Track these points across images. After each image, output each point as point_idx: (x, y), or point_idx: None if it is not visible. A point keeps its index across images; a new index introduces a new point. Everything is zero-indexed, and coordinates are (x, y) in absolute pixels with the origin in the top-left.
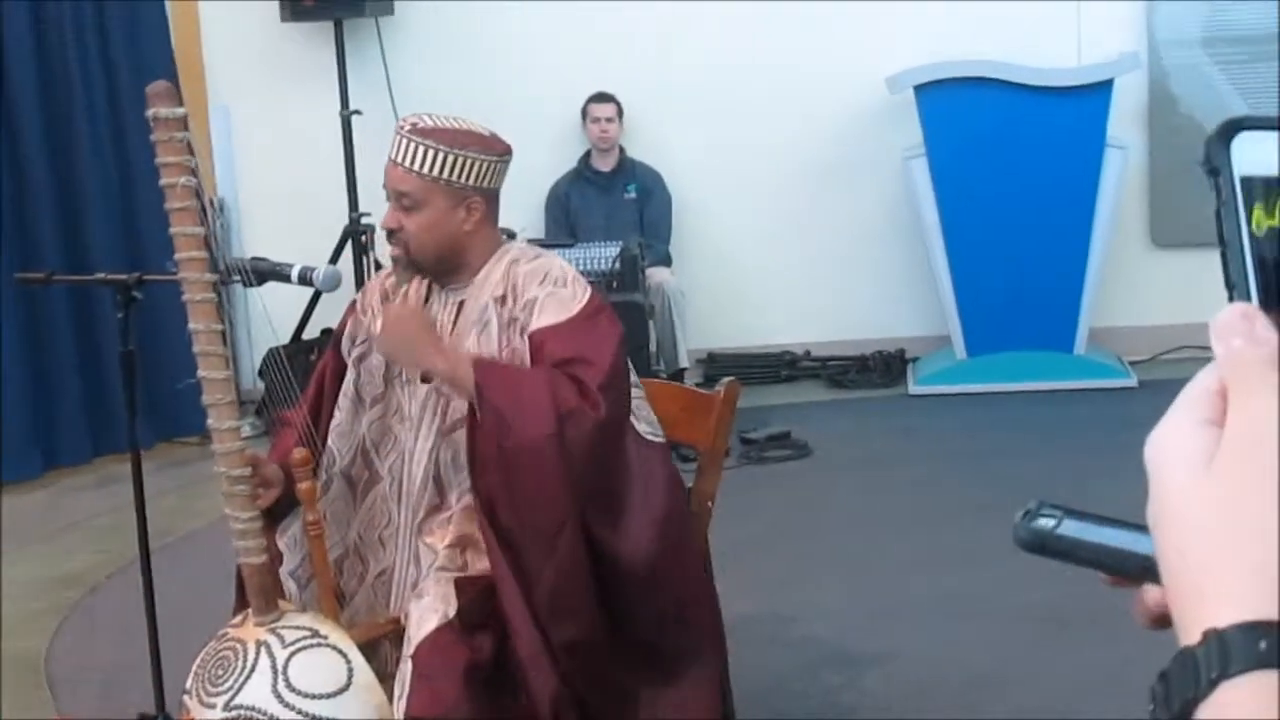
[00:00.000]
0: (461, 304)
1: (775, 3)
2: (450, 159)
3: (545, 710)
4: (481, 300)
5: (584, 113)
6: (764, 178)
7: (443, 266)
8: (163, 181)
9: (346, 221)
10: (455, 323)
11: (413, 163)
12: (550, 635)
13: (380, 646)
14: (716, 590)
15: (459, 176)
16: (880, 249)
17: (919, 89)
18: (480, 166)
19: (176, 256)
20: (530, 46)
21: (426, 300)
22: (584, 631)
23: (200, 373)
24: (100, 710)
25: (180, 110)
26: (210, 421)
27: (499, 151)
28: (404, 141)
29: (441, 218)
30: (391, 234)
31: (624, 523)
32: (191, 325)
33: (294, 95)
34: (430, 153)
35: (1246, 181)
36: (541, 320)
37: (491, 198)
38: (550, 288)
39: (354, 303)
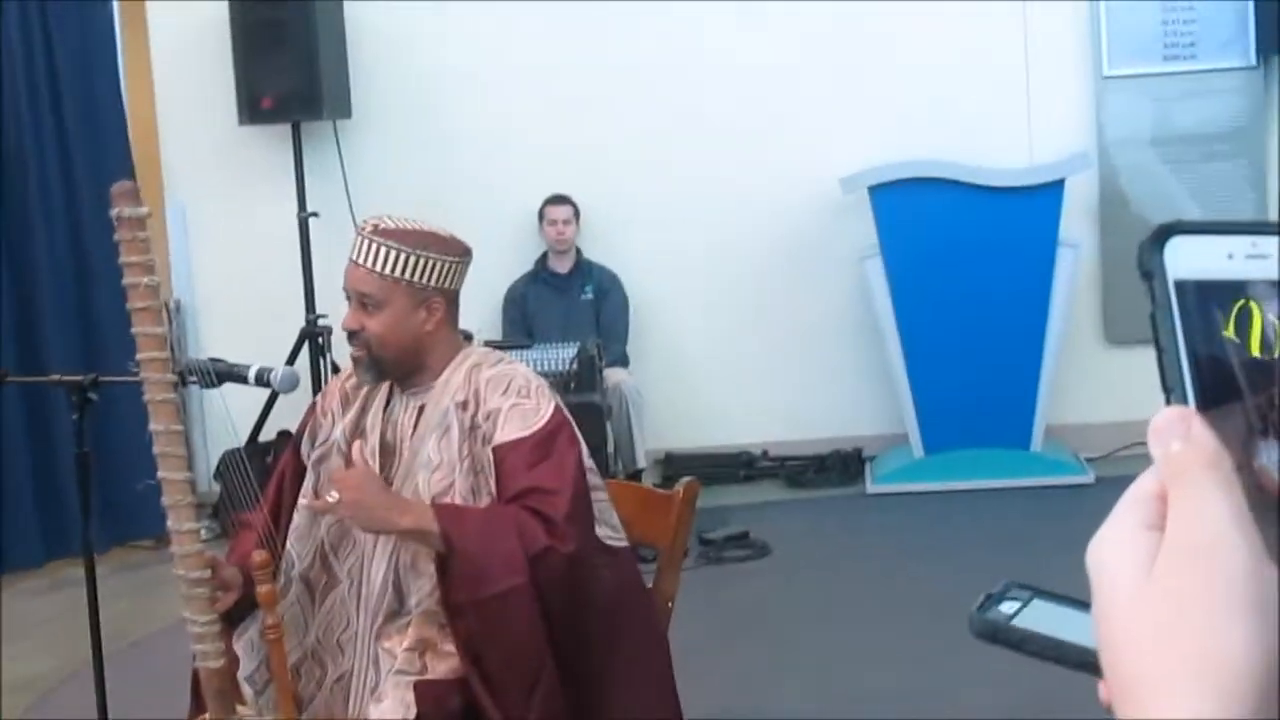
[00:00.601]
0: (422, 408)
1: (729, 105)
2: (411, 260)
3: None
4: (443, 404)
5: (540, 214)
6: (720, 278)
7: (404, 368)
8: (125, 281)
9: (304, 323)
10: (415, 426)
11: (374, 263)
12: None
13: None
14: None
15: (420, 277)
16: (837, 347)
17: (873, 189)
18: (441, 267)
19: (138, 356)
20: (486, 149)
21: (387, 404)
22: None
23: (160, 474)
24: None
25: (143, 210)
26: (170, 523)
27: (459, 252)
28: (365, 242)
29: (403, 318)
30: (353, 335)
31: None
32: (152, 426)
33: (251, 196)
34: (391, 253)
35: (1180, 285)
36: (505, 434)
37: (452, 299)
38: (514, 399)
39: (313, 404)
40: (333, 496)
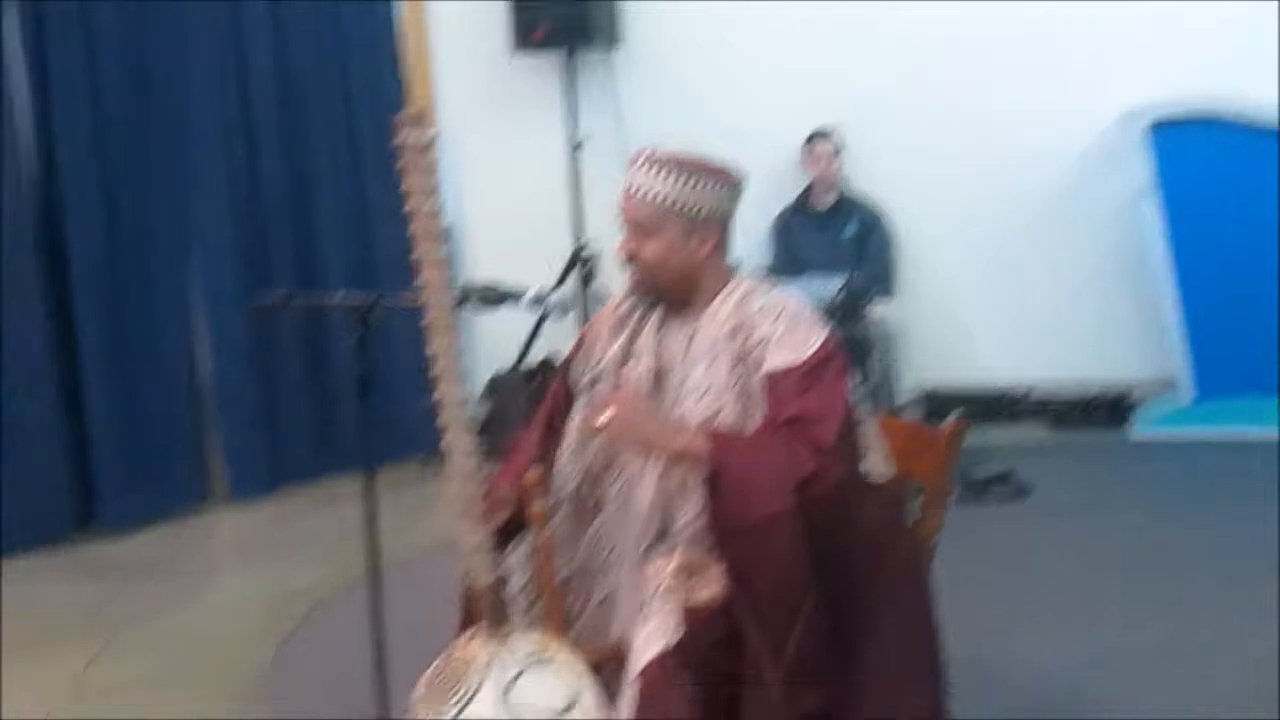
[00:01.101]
0: (692, 335)
1: (1002, 35)
2: (686, 189)
3: None
4: (713, 332)
5: (804, 150)
6: (988, 212)
7: (676, 294)
8: (408, 206)
9: (571, 249)
10: (685, 353)
11: (647, 192)
12: (792, 704)
13: (603, 670)
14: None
15: (692, 206)
16: (1106, 287)
17: (1153, 126)
18: (714, 197)
19: (419, 280)
20: (755, 80)
21: (658, 329)
22: (825, 699)
23: (438, 394)
24: None
25: (427, 136)
26: (446, 442)
27: (733, 182)
28: (640, 171)
29: (675, 246)
30: (627, 261)
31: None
32: (431, 347)
33: (522, 125)
34: (665, 183)
35: None
36: (774, 361)
37: (724, 228)
38: (784, 326)
39: (583, 330)
40: (604, 417)
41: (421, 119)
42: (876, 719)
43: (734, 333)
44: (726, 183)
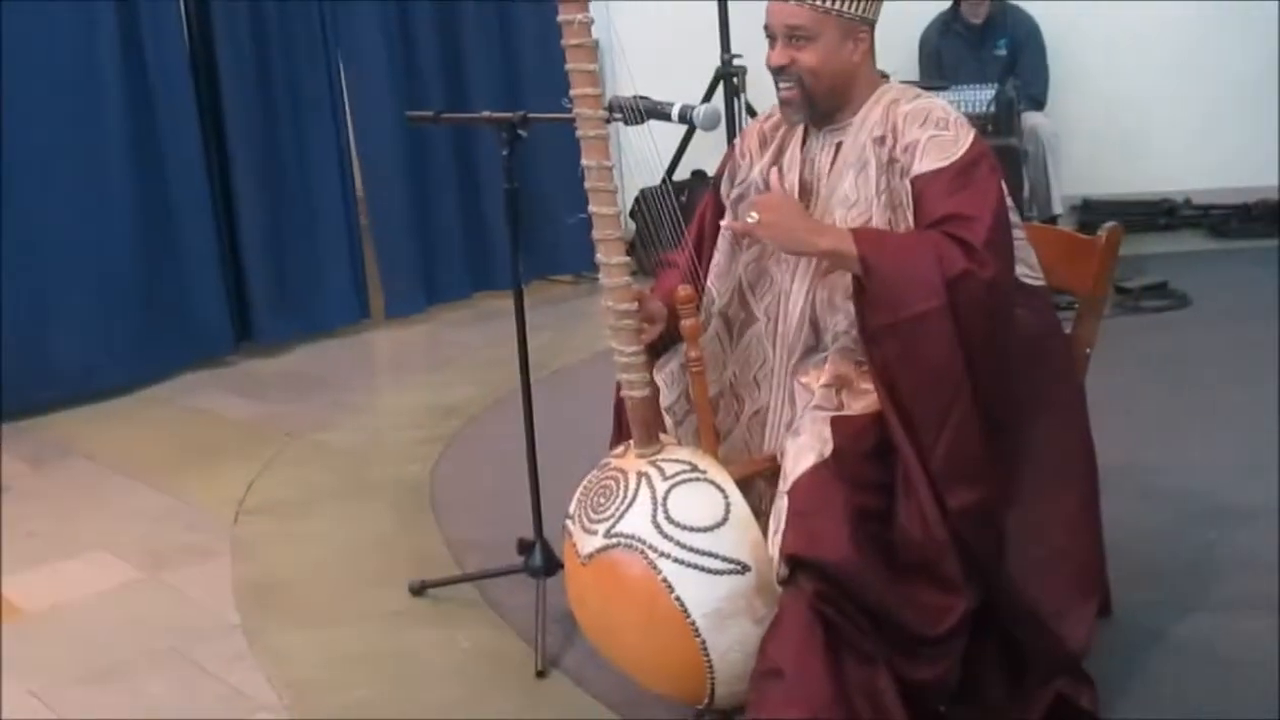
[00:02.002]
0: (839, 145)
1: None
2: None
3: (933, 536)
4: (860, 140)
5: None
6: (1147, 19)
7: (833, 102)
8: (560, 17)
9: (718, 64)
10: (833, 164)
11: None
12: (947, 502)
13: (755, 484)
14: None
15: (848, 6)
16: (1265, 90)
17: None
18: None
19: (572, 93)
20: None
21: (804, 144)
22: (979, 495)
23: (590, 208)
24: (481, 533)
25: None
26: (599, 257)
27: None
28: None
29: (834, 50)
30: (781, 71)
31: (1010, 386)
32: (584, 161)
33: None
34: None
35: None
36: (923, 165)
37: (872, 31)
38: (932, 130)
39: (732, 146)
40: (752, 217)
41: None
42: (1029, 515)
43: (882, 140)
44: None
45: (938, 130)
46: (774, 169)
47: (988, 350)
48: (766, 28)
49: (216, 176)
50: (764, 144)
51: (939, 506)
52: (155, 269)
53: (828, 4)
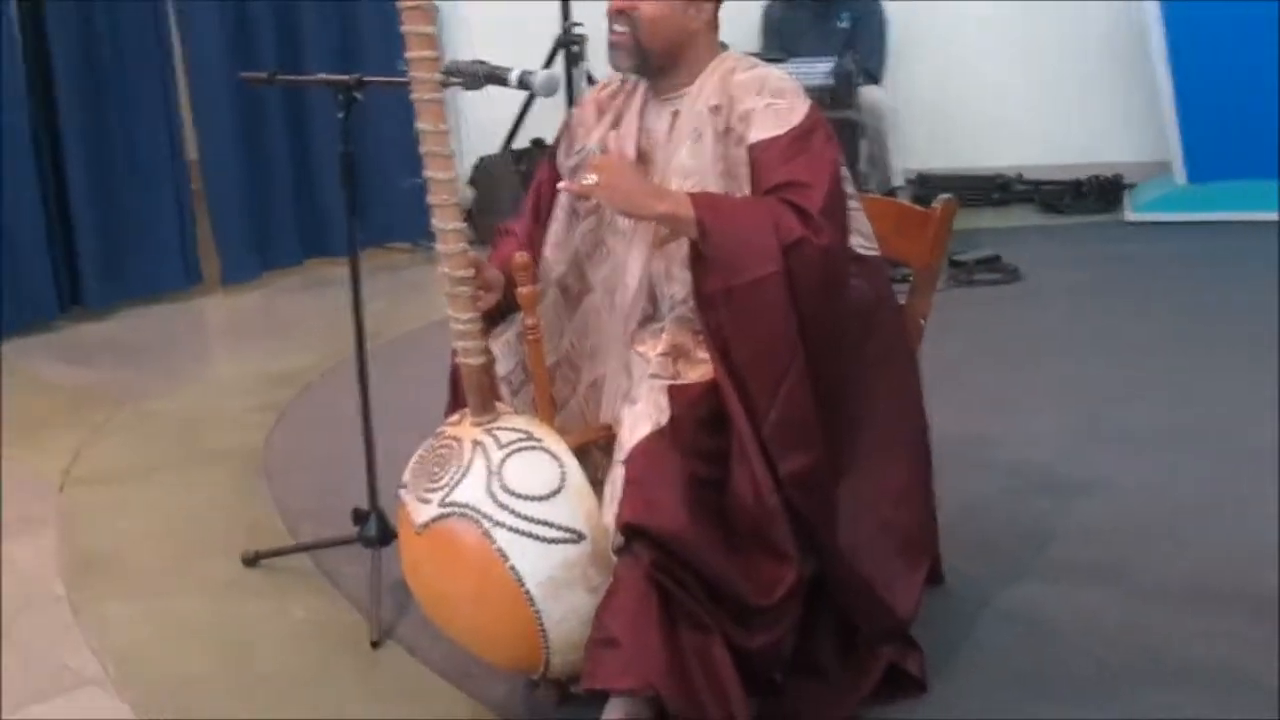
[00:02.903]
0: (676, 114)
1: None
2: None
3: (764, 504)
4: (697, 109)
5: None
6: None
7: (664, 60)
8: None
9: (559, 30)
10: (670, 132)
11: None
12: (778, 467)
13: (590, 454)
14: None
15: None
16: (1098, 69)
17: None
18: None
19: (407, 55)
20: None
21: (641, 112)
22: (810, 460)
23: (426, 173)
24: (316, 503)
25: None
26: (435, 222)
27: None
28: None
29: (675, 11)
30: (619, 16)
31: (843, 354)
32: (419, 125)
33: None
34: None
35: None
36: (759, 133)
37: (717, 5)
38: (768, 98)
39: (569, 116)
40: (590, 179)
41: None
42: (860, 486)
43: (717, 109)
44: None
45: (773, 99)
46: (612, 133)
47: (821, 318)
48: None
49: (44, 138)
50: (601, 113)
51: (771, 474)
52: None
53: None
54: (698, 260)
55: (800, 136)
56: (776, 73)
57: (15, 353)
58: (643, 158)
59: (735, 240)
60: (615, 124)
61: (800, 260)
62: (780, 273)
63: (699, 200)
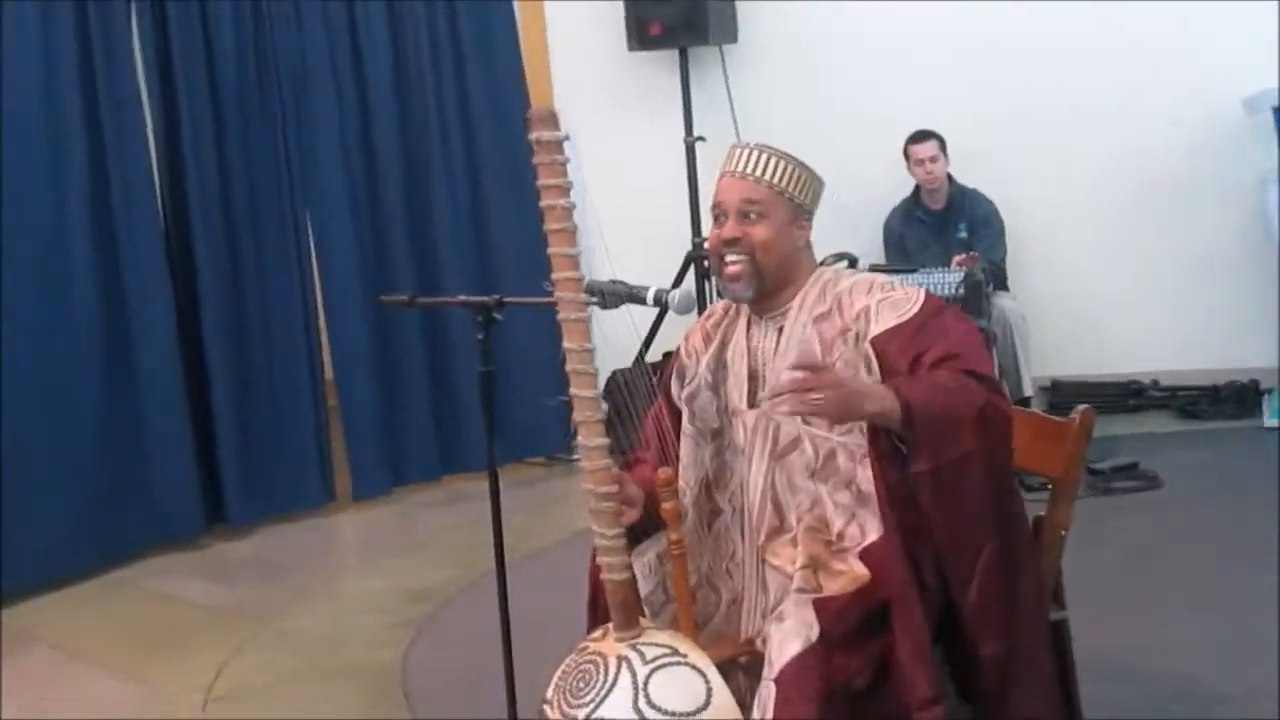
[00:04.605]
0: (780, 329)
1: (1126, 17)
2: (794, 173)
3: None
4: (801, 321)
5: (906, 153)
6: (1109, 199)
7: (778, 282)
8: (543, 203)
9: (688, 247)
10: (777, 347)
11: (761, 172)
12: (978, 651)
13: (734, 673)
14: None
15: (800, 192)
16: (1232, 274)
17: (1278, 110)
18: (813, 186)
19: (553, 276)
20: (866, 79)
21: (748, 334)
22: (1004, 645)
23: (571, 391)
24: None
25: (561, 134)
26: (579, 439)
27: (820, 178)
28: (751, 153)
29: (784, 231)
30: (732, 244)
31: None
32: (565, 344)
33: (638, 121)
34: (778, 165)
35: None
36: (880, 325)
37: (811, 221)
38: (879, 294)
39: (678, 347)
40: (814, 397)
41: (553, 115)
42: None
43: (824, 315)
44: (817, 175)
45: (884, 294)
46: (802, 348)
47: (1005, 483)
48: (717, 205)
49: (189, 358)
50: (708, 340)
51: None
52: (122, 453)
53: (781, 184)
54: (878, 454)
55: (932, 315)
56: (882, 276)
57: (156, 570)
58: (753, 376)
59: (938, 418)
60: (722, 349)
61: (991, 429)
62: (977, 450)
63: (901, 388)
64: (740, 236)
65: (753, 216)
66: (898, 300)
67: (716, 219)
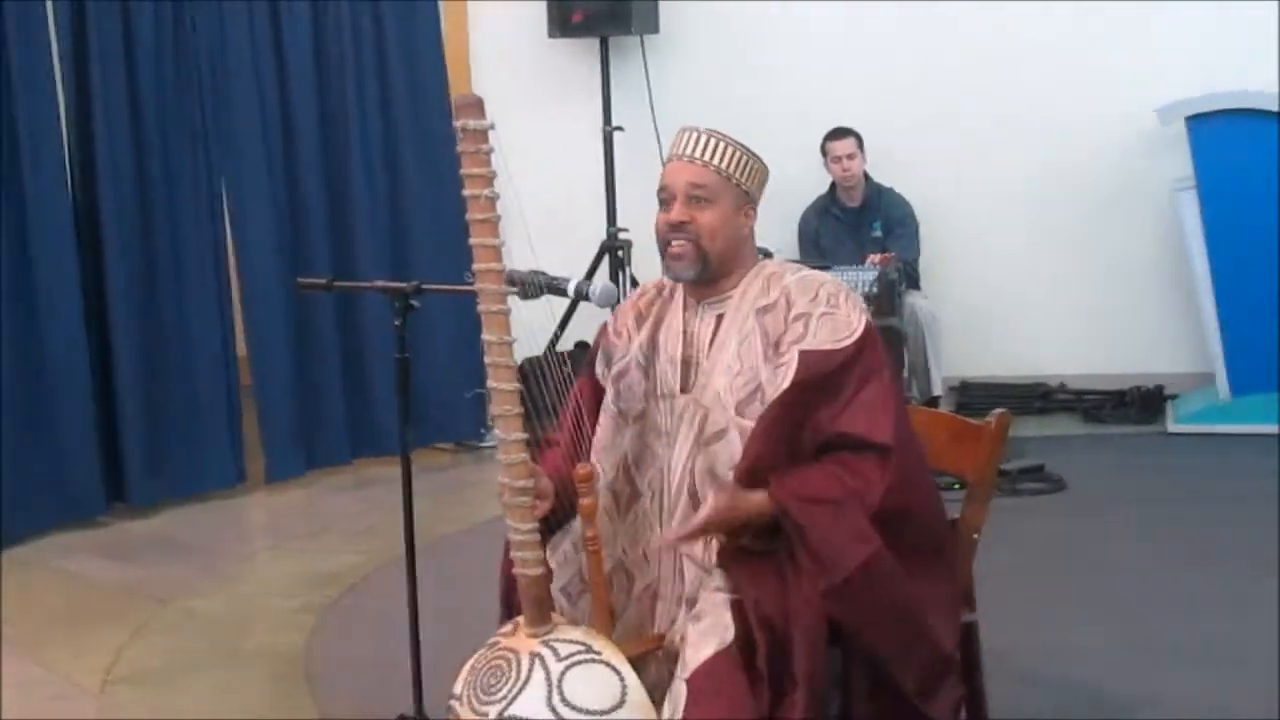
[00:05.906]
0: (720, 317)
1: (1040, 31)
2: (742, 160)
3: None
4: (743, 311)
5: (823, 149)
6: (1024, 204)
7: (723, 267)
8: (466, 192)
9: (604, 236)
10: (715, 336)
11: (711, 156)
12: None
13: (649, 663)
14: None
15: (746, 178)
16: (1143, 281)
17: (1190, 120)
18: (759, 174)
19: (475, 267)
20: (788, 73)
21: (683, 316)
22: (962, 691)
23: (490, 383)
24: (360, 708)
25: (487, 123)
26: (498, 432)
27: (766, 165)
28: (701, 138)
29: (729, 217)
30: (679, 228)
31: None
32: (485, 336)
33: (557, 110)
34: (727, 150)
35: None
36: (813, 342)
37: (756, 210)
38: (824, 306)
39: (605, 325)
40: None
41: (479, 103)
42: None
43: (767, 309)
44: (764, 165)
45: (829, 308)
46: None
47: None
48: (664, 189)
49: (98, 335)
50: (640, 320)
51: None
52: (25, 429)
53: (730, 170)
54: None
55: (862, 353)
56: (827, 277)
57: (59, 548)
58: (688, 362)
59: (831, 531)
60: (655, 329)
61: (889, 510)
62: (880, 549)
63: (779, 496)
64: (687, 220)
65: (699, 202)
66: (839, 324)
67: (663, 203)
